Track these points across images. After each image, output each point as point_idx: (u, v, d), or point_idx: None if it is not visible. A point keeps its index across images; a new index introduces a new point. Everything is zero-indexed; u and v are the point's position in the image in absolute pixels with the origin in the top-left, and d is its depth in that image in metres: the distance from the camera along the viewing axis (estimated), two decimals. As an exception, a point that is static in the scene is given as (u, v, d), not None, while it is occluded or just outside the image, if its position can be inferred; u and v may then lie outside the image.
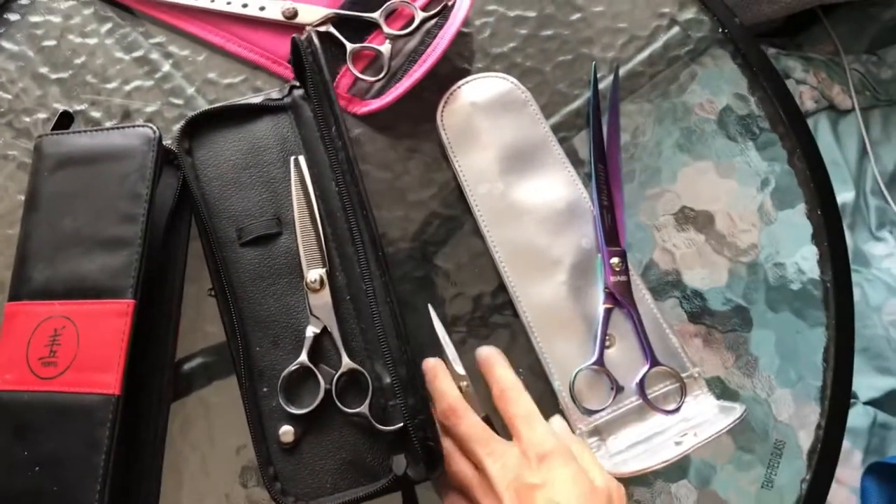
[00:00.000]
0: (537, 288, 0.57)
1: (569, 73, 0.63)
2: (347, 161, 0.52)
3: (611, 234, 0.58)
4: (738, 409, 0.52)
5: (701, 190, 0.61)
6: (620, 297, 0.56)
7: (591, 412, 0.54)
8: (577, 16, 0.64)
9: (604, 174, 0.59)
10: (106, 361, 0.51)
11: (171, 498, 0.56)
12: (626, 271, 0.57)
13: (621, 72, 0.63)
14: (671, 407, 0.54)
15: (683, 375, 0.55)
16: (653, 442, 0.52)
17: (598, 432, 0.55)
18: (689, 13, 0.64)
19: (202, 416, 0.58)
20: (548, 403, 0.56)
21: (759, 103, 0.63)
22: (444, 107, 0.61)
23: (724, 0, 0.64)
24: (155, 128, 0.55)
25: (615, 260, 0.57)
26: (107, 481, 0.49)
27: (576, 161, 0.61)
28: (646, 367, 0.55)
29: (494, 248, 0.59)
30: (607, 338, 0.56)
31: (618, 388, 0.54)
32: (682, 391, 0.54)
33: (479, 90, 0.62)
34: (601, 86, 0.63)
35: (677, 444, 0.50)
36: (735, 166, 0.62)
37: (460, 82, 0.62)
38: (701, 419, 0.53)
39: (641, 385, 0.54)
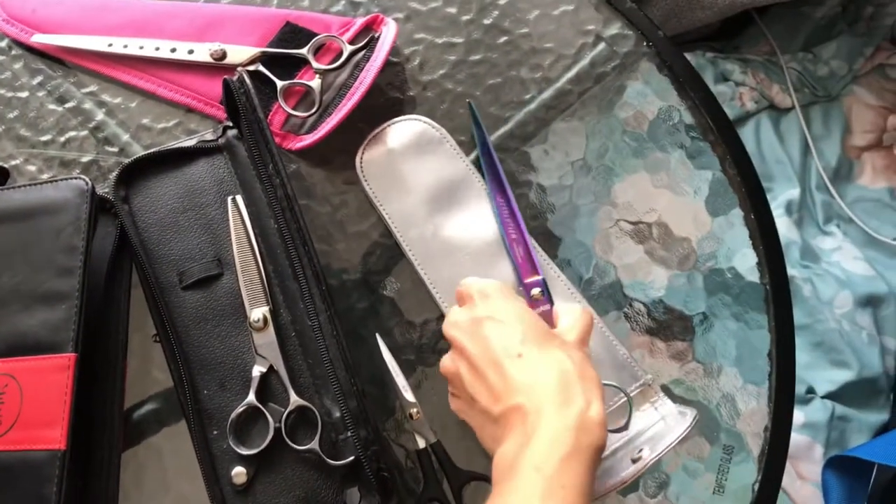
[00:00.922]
0: None
1: (499, 96, 0.64)
2: (286, 198, 0.52)
3: (525, 265, 0.58)
4: (689, 414, 0.53)
5: (636, 202, 0.62)
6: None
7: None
8: (503, 39, 0.65)
9: (505, 207, 0.60)
10: (50, 417, 0.51)
11: (127, 549, 0.56)
12: (548, 299, 0.57)
13: (550, 91, 0.64)
14: (622, 423, 0.54)
15: (636, 385, 0.55)
16: (611, 461, 0.53)
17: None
18: (614, 29, 0.66)
19: (155, 464, 0.57)
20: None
21: (687, 112, 0.64)
22: (361, 158, 0.62)
23: (646, 13, 0.66)
24: (87, 179, 0.55)
25: (535, 291, 0.57)
26: (56, 541, 0.49)
27: (513, 183, 0.62)
28: None
29: (432, 286, 0.59)
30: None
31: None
32: (629, 406, 0.55)
33: (393, 136, 0.62)
34: (533, 106, 0.64)
35: (634, 460, 0.50)
36: (668, 176, 0.63)
37: (374, 132, 0.62)
38: (656, 429, 0.53)
39: None
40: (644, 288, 0.61)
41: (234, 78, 0.55)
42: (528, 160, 0.63)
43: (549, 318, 0.56)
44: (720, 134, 0.64)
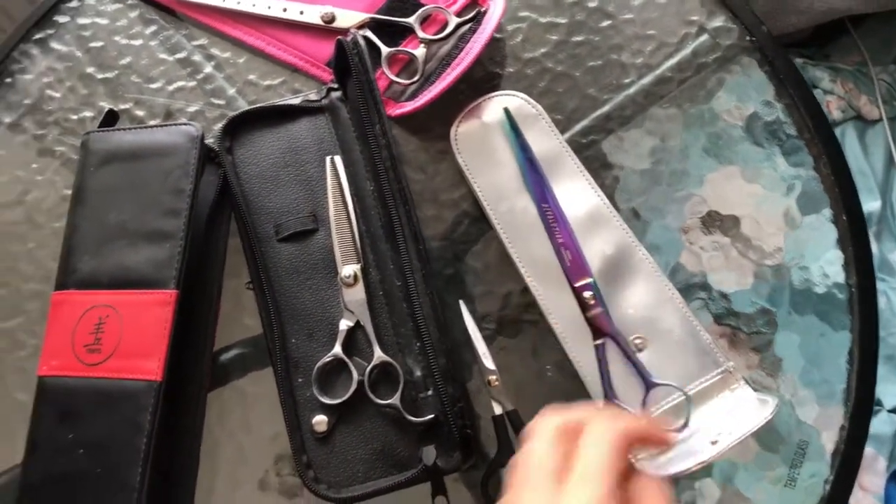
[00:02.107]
0: (564, 300, 0.58)
1: (599, 78, 0.64)
2: (390, 158, 0.54)
3: (575, 269, 0.59)
4: (771, 403, 0.52)
5: (727, 194, 0.62)
6: (603, 329, 0.57)
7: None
8: (607, 23, 0.66)
9: (551, 212, 0.60)
10: (149, 349, 0.53)
11: (206, 484, 0.58)
12: (600, 303, 0.57)
13: (650, 77, 0.64)
14: (681, 422, 0.55)
15: (718, 371, 0.55)
16: (690, 442, 0.53)
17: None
18: (718, 21, 0.66)
19: (239, 405, 0.60)
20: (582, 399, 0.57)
21: (785, 110, 0.64)
22: (457, 129, 0.62)
23: (752, 9, 0.66)
24: (198, 126, 0.57)
25: (587, 294, 0.58)
26: (148, 464, 0.51)
27: (605, 165, 0.62)
28: (643, 392, 0.56)
29: (518, 260, 0.60)
30: (639, 339, 0.57)
31: (650, 385, 0.55)
32: (688, 403, 0.55)
33: (489, 109, 0.62)
34: (632, 90, 0.64)
35: (713, 443, 0.51)
36: (761, 172, 0.63)
37: (471, 104, 0.63)
38: (735, 415, 0.53)
39: (645, 410, 0.55)
40: (729, 280, 0.61)
41: (349, 39, 0.57)
42: (623, 143, 0.63)
43: (602, 322, 0.57)
44: (817, 133, 0.63)
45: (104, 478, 0.52)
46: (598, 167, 0.63)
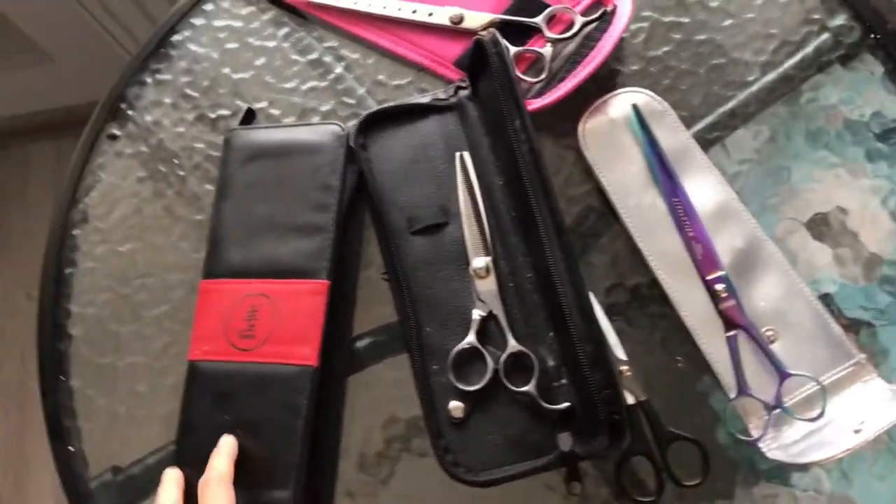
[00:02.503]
0: (695, 293, 0.60)
1: (722, 76, 0.66)
2: (531, 152, 0.55)
3: (706, 262, 0.60)
4: None
5: (839, 192, 0.63)
6: (735, 321, 0.58)
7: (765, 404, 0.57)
8: (729, 22, 0.67)
9: (681, 207, 0.61)
10: (303, 336, 0.56)
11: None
12: (732, 295, 0.59)
13: (773, 74, 0.65)
14: (816, 412, 0.56)
15: (850, 363, 0.56)
16: (825, 432, 0.54)
17: (774, 423, 0.56)
18: (840, 19, 0.66)
19: (372, 390, 0.62)
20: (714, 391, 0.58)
21: (908, 109, 0.64)
22: (584, 126, 0.64)
23: (875, 6, 0.66)
24: (342, 125, 0.60)
25: (719, 287, 0.59)
26: (306, 445, 0.54)
27: (728, 160, 0.63)
28: (776, 383, 0.57)
29: (648, 254, 0.61)
30: (770, 331, 0.58)
31: (784, 376, 0.56)
32: (823, 394, 0.56)
33: (616, 106, 0.64)
34: (755, 88, 0.65)
35: (857, 431, 0.52)
36: (880, 170, 0.63)
37: (597, 101, 0.64)
38: (874, 406, 0.54)
39: (778, 400, 0.56)
40: (834, 276, 0.61)
41: (488, 37, 0.59)
42: (746, 140, 0.64)
43: (735, 315, 0.58)
44: (941, 131, 0.63)
45: (262, 458, 0.55)
46: (722, 162, 0.64)
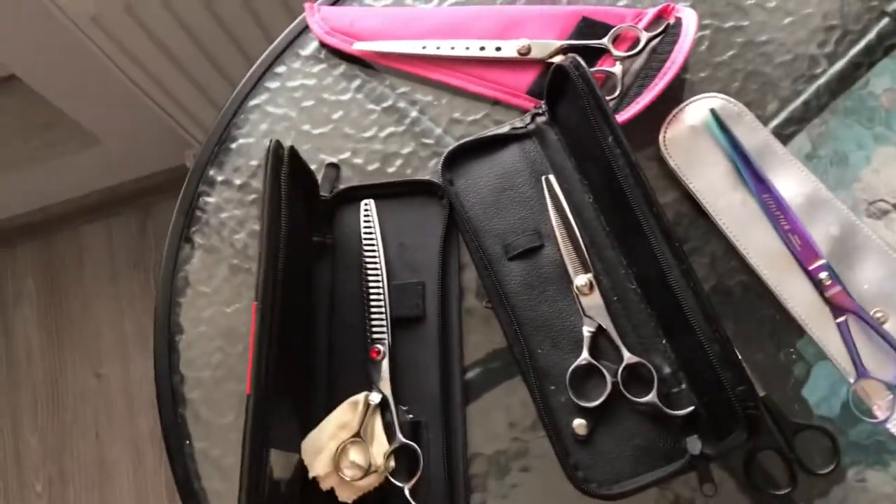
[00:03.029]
0: (799, 285, 0.61)
1: (790, 72, 0.67)
2: (629, 165, 0.57)
3: (806, 253, 0.61)
4: None
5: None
6: (844, 306, 0.59)
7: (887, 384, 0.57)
8: (789, 20, 0.68)
9: (773, 202, 0.62)
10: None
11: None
12: (837, 281, 0.59)
13: (840, 64, 0.67)
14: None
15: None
16: None
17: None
18: (896, 3, 0.68)
19: (492, 415, 0.63)
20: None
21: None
22: (664, 135, 0.66)
23: (930, -14, 0.68)
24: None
25: (823, 275, 0.60)
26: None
27: (808, 154, 0.65)
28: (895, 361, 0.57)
29: (745, 252, 0.62)
30: (879, 313, 0.58)
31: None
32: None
33: (692, 113, 0.66)
34: (824, 79, 0.67)
35: None
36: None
37: (675, 110, 0.66)
38: None
39: None
40: None
41: (568, 62, 0.61)
42: (821, 130, 0.65)
43: (843, 300, 0.59)
44: None
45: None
46: (802, 155, 0.65)
